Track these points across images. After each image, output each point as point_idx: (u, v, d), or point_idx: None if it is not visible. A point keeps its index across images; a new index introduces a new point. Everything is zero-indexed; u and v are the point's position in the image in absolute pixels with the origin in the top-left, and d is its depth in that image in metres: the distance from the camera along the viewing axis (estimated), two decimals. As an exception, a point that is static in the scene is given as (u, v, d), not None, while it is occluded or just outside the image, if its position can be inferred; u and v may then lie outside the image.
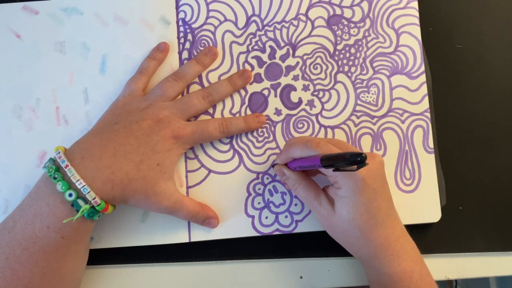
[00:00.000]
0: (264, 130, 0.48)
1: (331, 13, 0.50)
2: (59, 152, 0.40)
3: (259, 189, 0.47)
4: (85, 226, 0.40)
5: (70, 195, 0.38)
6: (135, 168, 0.40)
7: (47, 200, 0.39)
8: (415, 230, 0.47)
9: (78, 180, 0.38)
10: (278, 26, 0.49)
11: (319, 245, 0.47)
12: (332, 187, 0.40)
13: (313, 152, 0.39)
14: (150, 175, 0.41)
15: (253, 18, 0.49)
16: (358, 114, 0.48)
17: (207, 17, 0.49)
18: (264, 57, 0.49)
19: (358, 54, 0.49)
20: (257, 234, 0.46)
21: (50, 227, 0.38)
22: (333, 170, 0.36)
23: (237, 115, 0.48)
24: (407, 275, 0.41)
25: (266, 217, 0.46)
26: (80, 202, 0.38)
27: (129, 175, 0.40)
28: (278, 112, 0.48)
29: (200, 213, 0.45)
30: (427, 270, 0.43)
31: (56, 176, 0.38)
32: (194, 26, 0.49)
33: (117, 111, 0.44)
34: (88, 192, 0.38)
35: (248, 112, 0.48)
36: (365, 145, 0.48)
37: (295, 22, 0.49)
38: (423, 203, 0.47)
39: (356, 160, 0.32)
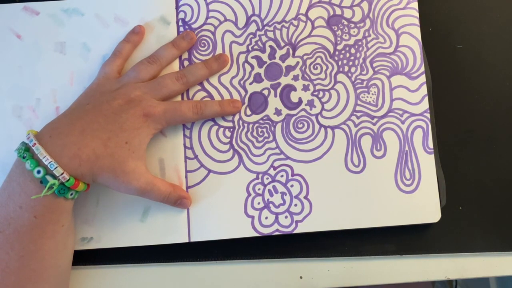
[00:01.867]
0: (264, 130, 0.48)
1: (331, 13, 0.50)
2: (29, 134, 0.40)
3: (259, 189, 0.47)
4: (58, 205, 0.40)
5: (39, 172, 0.38)
6: (102, 145, 0.40)
7: (18, 180, 0.39)
8: (415, 230, 0.48)
9: (44, 157, 0.38)
10: (278, 26, 0.49)
11: (319, 245, 0.47)
12: None
13: None
14: (118, 153, 0.41)
15: (253, 18, 0.49)
16: (358, 114, 0.48)
17: (207, 17, 0.49)
18: (264, 57, 0.49)
19: (358, 54, 0.49)
20: (257, 235, 0.46)
21: (22, 206, 0.39)
22: None
23: (237, 115, 0.48)
24: None
25: (266, 218, 0.46)
26: (49, 178, 0.39)
27: (96, 152, 0.40)
28: (278, 112, 0.48)
29: (172, 194, 0.44)
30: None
31: (25, 155, 0.39)
32: (194, 26, 0.49)
33: (90, 93, 0.45)
34: (55, 168, 0.38)
35: (248, 112, 0.48)
36: (365, 146, 0.48)
37: (295, 22, 0.49)
38: (423, 203, 0.47)
39: None
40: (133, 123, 0.42)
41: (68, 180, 0.39)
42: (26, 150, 0.39)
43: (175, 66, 0.49)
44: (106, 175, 0.41)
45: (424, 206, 0.47)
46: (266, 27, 0.49)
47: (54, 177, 0.39)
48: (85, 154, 0.40)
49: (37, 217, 0.39)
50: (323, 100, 0.48)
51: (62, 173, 0.39)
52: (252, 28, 0.49)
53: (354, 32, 0.49)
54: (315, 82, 0.49)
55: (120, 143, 0.41)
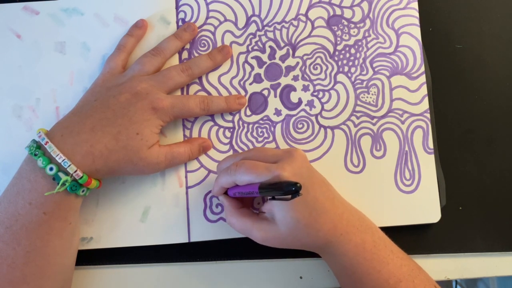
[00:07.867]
0: (264, 130, 0.48)
1: (331, 13, 0.50)
2: (40, 133, 0.41)
3: (259, 189, 0.47)
4: (68, 202, 0.40)
5: (51, 169, 0.39)
6: (114, 139, 0.41)
7: (29, 177, 0.40)
8: (415, 231, 0.48)
9: (58, 155, 0.39)
10: (278, 27, 0.49)
11: (319, 245, 0.47)
12: (266, 203, 0.41)
13: (234, 179, 0.39)
14: (130, 144, 0.41)
15: (253, 18, 0.49)
16: (358, 114, 0.48)
17: (207, 17, 0.49)
18: (264, 57, 0.49)
19: (358, 55, 0.49)
20: (257, 234, 0.46)
21: (32, 203, 0.39)
22: (270, 199, 0.37)
23: (237, 116, 0.48)
24: (360, 248, 0.40)
25: (266, 217, 0.46)
26: (61, 175, 0.39)
27: (108, 147, 0.41)
28: (278, 112, 0.48)
29: (193, 148, 0.46)
30: (380, 234, 0.42)
31: (37, 153, 0.39)
32: (194, 26, 0.49)
33: (96, 89, 0.45)
34: (69, 166, 0.39)
35: (248, 112, 0.48)
36: (365, 146, 0.48)
37: (295, 23, 0.49)
38: (423, 203, 0.47)
39: (291, 189, 0.33)
40: (142, 115, 0.42)
41: (82, 177, 0.39)
42: (37, 148, 0.40)
43: (175, 62, 0.48)
44: (124, 166, 0.42)
45: (424, 206, 0.47)
46: (266, 28, 0.49)
47: (67, 174, 0.39)
48: (98, 151, 0.40)
49: (46, 213, 0.39)
50: (323, 100, 0.48)
51: (76, 171, 0.39)
52: (252, 28, 0.49)
53: (354, 32, 0.49)
54: (315, 83, 0.49)
55: (131, 135, 0.42)
